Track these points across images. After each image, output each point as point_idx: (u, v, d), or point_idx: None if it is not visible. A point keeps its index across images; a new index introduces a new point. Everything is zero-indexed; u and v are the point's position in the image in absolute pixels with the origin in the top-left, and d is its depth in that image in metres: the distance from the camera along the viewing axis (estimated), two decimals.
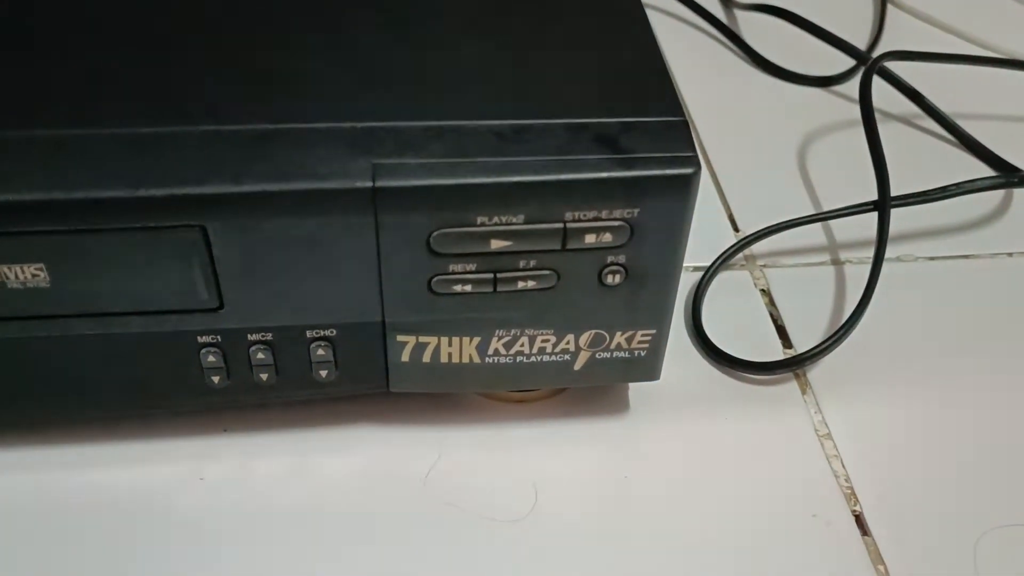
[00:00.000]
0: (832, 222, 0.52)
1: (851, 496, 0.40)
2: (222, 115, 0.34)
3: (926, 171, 0.54)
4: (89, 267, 0.33)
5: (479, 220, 0.34)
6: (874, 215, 0.49)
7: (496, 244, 0.34)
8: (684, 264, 0.36)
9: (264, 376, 0.38)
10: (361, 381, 0.39)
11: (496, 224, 0.34)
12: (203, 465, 0.40)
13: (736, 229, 0.52)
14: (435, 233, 0.34)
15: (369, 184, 0.33)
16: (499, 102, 0.35)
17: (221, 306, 0.35)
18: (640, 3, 0.41)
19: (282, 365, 0.37)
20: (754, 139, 0.58)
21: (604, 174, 0.33)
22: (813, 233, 0.52)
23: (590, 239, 0.35)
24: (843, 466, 0.41)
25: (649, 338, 0.38)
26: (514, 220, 0.34)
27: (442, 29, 0.39)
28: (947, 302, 0.49)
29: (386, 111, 0.34)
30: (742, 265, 0.50)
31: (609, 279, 0.36)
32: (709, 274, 0.48)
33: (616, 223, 0.34)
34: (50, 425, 0.40)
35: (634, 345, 0.38)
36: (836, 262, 0.50)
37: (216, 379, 0.37)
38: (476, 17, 0.39)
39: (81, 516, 0.38)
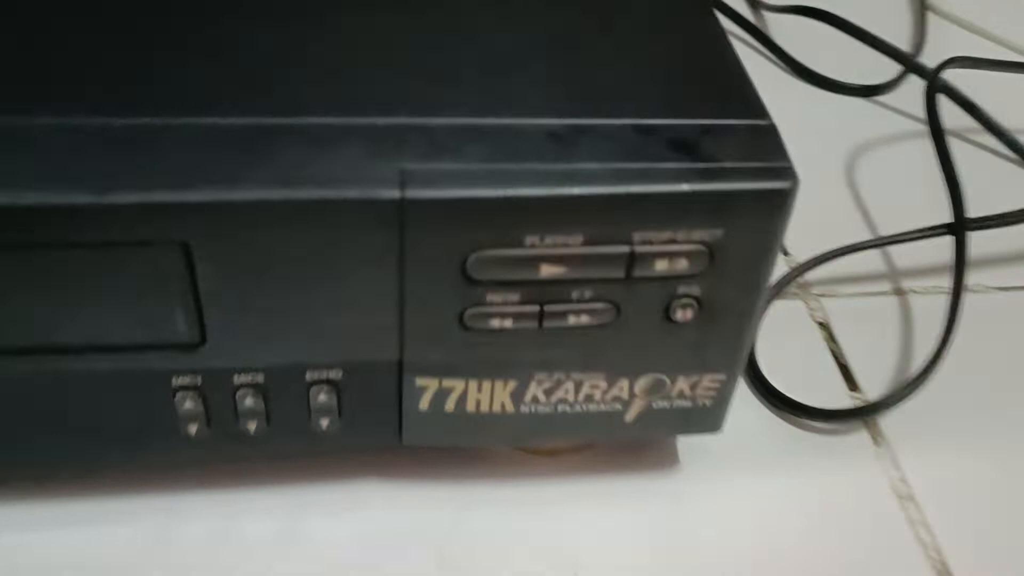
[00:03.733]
0: (890, 248, 0.47)
1: (943, 570, 0.34)
2: (213, 105, 0.29)
3: (987, 191, 0.49)
4: (43, 291, 0.28)
5: (528, 241, 0.28)
6: (938, 240, 0.44)
7: (547, 271, 0.29)
8: None
9: (252, 426, 0.32)
10: (369, 433, 0.33)
11: (548, 246, 0.28)
12: (172, 528, 0.34)
13: (785, 253, 0.47)
14: (473, 256, 0.28)
15: (396, 194, 0.27)
16: (554, 97, 0.30)
17: (203, 341, 0.30)
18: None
19: (275, 413, 0.32)
20: (799, 154, 0.53)
21: (684, 186, 0.28)
22: (870, 260, 0.47)
23: (661, 266, 0.29)
24: (931, 533, 0.36)
25: (717, 385, 0.32)
26: (570, 242, 0.28)
27: (485, 10, 0.34)
28: None
29: (417, 105, 0.29)
30: (795, 294, 0.45)
31: (679, 314, 0.30)
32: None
33: (694, 247, 0.29)
34: None
35: (699, 392, 0.33)
36: (899, 292, 0.45)
37: (193, 429, 0.32)
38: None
39: None
